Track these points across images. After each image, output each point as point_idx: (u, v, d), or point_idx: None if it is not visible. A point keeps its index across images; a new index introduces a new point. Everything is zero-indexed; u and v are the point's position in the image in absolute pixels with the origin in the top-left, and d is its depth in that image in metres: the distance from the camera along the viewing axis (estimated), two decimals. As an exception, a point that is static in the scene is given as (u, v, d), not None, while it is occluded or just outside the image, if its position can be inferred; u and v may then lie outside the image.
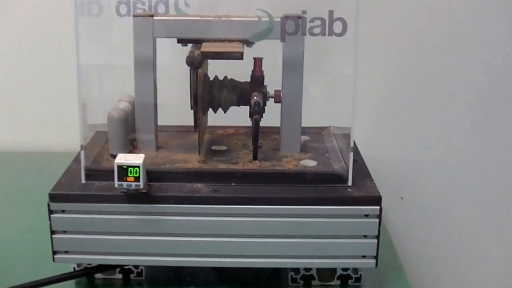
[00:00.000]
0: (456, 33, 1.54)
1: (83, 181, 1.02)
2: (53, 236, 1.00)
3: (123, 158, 0.96)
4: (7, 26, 1.59)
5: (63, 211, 0.99)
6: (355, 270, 1.05)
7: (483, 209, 1.63)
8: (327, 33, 1.02)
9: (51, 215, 0.99)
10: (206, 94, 1.10)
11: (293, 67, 1.09)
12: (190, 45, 1.09)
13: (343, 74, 1.12)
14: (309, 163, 1.10)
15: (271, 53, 1.10)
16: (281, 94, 1.11)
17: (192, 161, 1.09)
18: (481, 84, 1.56)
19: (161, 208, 0.99)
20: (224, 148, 1.15)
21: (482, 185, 1.62)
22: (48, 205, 0.99)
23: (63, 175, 1.06)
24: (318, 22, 1.02)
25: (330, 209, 0.99)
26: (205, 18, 1.07)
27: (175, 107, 1.17)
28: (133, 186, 0.96)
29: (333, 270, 1.05)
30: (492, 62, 1.55)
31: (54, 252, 1.01)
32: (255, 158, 1.10)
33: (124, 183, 0.96)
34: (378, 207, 0.99)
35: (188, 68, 1.06)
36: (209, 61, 1.13)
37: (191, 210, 0.99)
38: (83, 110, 1.04)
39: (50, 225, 1.00)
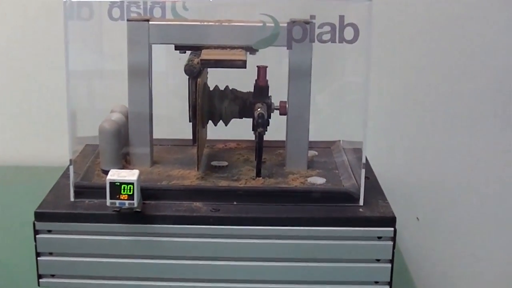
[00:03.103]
0: (474, 45, 1.54)
1: (72, 198, 1.01)
2: (39, 258, 0.98)
3: (115, 174, 0.95)
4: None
5: (49, 231, 0.97)
6: (367, 297, 1.04)
7: (504, 231, 1.62)
8: (337, 40, 1.00)
9: (37, 236, 0.98)
10: (206, 105, 1.10)
11: (300, 76, 1.08)
12: (188, 52, 1.08)
13: (353, 84, 1.12)
14: (317, 180, 1.08)
15: (276, 61, 1.10)
16: (286, 105, 1.10)
17: (190, 177, 1.08)
18: (499, 98, 1.55)
19: (157, 229, 0.97)
20: (224, 163, 1.14)
21: (503, 204, 1.61)
22: (34, 224, 0.97)
23: (50, 191, 1.04)
24: (327, 28, 1.00)
25: (340, 230, 0.97)
26: (205, 23, 1.06)
27: (172, 119, 1.17)
28: (127, 205, 0.95)
29: (344, 296, 1.04)
30: (509, 82, 1.55)
31: (40, 276, 0.99)
32: (258, 174, 1.08)
33: (117, 201, 0.94)
34: (392, 229, 0.97)
35: (187, 77, 1.04)
36: (209, 69, 1.12)
37: (189, 231, 0.97)
38: (72, 121, 1.02)
39: (36, 246, 0.98)
